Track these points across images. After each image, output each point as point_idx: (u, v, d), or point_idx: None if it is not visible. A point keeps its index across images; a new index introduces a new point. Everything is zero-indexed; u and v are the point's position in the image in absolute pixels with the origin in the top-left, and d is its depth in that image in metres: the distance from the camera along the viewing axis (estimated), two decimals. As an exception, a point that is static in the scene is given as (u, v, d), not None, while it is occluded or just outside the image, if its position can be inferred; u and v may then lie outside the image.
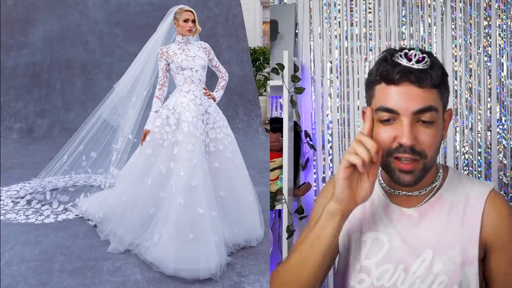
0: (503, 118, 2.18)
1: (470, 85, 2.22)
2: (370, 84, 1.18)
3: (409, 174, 1.12)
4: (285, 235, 2.07)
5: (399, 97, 1.09)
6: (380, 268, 1.21)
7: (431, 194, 1.23)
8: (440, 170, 1.26)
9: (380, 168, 1.30)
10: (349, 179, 1.09)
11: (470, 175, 2.19)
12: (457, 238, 1.17)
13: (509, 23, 2.19)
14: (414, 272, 1.18)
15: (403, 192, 1.23)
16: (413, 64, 1.10)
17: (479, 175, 2.19)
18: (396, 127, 1.11)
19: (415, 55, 1.11)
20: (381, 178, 1.29)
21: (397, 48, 1.17)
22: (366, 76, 1.21)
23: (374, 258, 1.22)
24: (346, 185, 1.10)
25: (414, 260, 1.18)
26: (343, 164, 1.08)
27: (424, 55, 1.11)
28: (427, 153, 1.11)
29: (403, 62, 1.11)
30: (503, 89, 2.19)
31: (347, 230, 1.30)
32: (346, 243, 1.30)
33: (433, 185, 1.23)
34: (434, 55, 2.23)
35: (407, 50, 1.13)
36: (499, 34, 2.20)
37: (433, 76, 1.10)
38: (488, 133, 2.19)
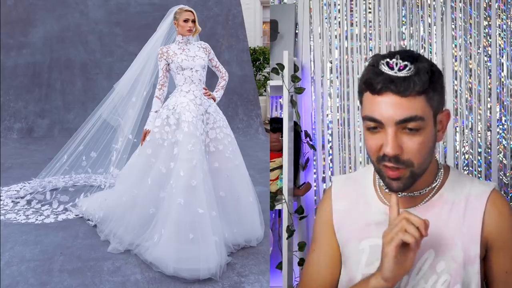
0: (503, 118, 2.18)
1: (470, 85, 2.22)
2: (360, 91, 1.18)
3: (397, 181, 1.13)
4: (285, 235, 2.07)
5: (382, 107, 1.09)
6: None
7: (431, 194, 1.23)
8: (441, 170, 1.25)
9: None
10: (398, 255, 1.10)
11: (470, 175, 2.19)
12: (459, 236, 1.17)
13: (509, 23, 2.19)
14: (417, 272, 1.18)
15: (403, 194, 1.22)
16: (395, 73, 1.07)
17: (479, 175, 2.19)
18: (382, 135, 1.11)
19: (397, 64, 1.08)
20: (380, 180, 1.28)
21: (385, 54, 1.13)
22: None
23: (375, 264, 1.21)
24: (396, 262, 1.10)
25: (416, 261, 1.18)
26: (395, 242, 1.08)
27: (407, 62, 1.07)
28: (414, 161, 1.10)
29: (385, 70, 1.09)
30: (503, 89, 2.19)
31: (346, 239, 1.30)
32: (346, 253, 1.30)
33: (433, 185, 1.22)
34: (430, 55, 2.25)
35: (388, 59, 1.09)
36: (499, 34, 2.20)
37: (416, 83, 1.07)
38: (488, 133, 2.19)
